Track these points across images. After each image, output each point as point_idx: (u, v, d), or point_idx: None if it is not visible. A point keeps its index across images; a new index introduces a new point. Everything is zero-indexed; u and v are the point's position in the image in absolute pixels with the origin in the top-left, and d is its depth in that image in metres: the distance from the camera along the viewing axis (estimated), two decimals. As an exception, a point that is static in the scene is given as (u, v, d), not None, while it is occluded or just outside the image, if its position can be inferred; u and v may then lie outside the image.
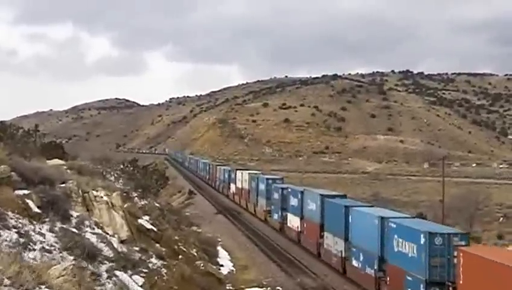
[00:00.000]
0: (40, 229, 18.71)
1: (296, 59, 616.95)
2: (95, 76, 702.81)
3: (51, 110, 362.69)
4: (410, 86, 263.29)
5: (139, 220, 27.64)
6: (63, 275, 13.53)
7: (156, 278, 21.60)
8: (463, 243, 23.15)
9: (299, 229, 42.81)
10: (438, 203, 70.20)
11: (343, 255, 32.89)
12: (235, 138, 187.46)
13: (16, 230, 17.54)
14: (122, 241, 22.92)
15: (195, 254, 32.63)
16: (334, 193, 43.18)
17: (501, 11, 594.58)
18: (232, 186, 73.14)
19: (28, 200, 19.94)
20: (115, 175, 47.32)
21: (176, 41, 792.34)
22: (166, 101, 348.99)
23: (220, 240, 43.97)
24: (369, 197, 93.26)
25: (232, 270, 35.39)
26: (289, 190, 47.23)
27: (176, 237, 31.88)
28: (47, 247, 17.60)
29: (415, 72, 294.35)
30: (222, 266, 35.63)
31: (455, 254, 22.15)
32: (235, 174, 71.50)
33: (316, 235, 38.27)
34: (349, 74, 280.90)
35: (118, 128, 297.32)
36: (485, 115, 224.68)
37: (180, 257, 27.99)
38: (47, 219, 19.65)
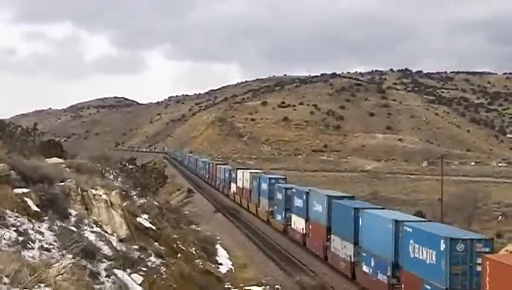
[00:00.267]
0: (39, 227, 18.71)
1: (295, 58, 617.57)
2: (94, 74, 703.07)
3: (50, 108, 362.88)
4: (409, 84, 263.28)
5: (138, 219, 27.64)
6: (61, 274, 13.53)
7: (154, 276, 21.62)
8: (487, 249, 21.89)
9: (304, 232, 41.56)
10: (437, 202, 70.33)
11: (352, 260, 31.63)
12: (234, 136, 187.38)
13: (14, 228, 17.54)
14: (121, 240, 22.93)
15: (194, 252, 32.66)
16: (341, 193, 41.91)
17: (501, 10, 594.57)
18: (233, 185, 71.98)
19: (27, 199, 19.94)
20: (114, 174, 47.23)
21: (174, 40, 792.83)
22: (165, 99, 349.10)
23: (218, 238, 43.97)
24: (368, 195, 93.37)
25: (231, 269, 35.40)
26: (293, 190, 45.79)
27: (175, 236, 31.88)
28: (46, 245, 17.61)
29: (414, 70, 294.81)
30: (221, 264, 35.64)
31: (478, 261, 21.01)
32: (236, 173, 70.34)
33: (322, 238, 36.99)
34: (348, 73, 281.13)
35: (116, 126, 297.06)
36: (484, 114, 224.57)
37: (179, 255, 28.02)
38: (46, 218, 19.66)
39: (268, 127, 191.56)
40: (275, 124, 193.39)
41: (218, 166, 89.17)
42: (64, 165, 31.62)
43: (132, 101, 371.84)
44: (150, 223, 28.82)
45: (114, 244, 21.42)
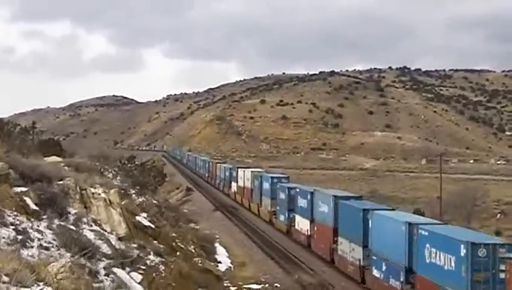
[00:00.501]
0: (37, 226, 18.69)
1: (293, 56, 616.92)
2: (92, 73, 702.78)
3: (49, 107, 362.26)
4: (408, 82, 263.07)
5: (137, 217, 27.64)
6: (61, 272, 13.52)
7: (154, 275, 21.61)
8: (511, 255, 20.62)
9: (308, 233, 40.51)
10: (436, 200, 70.42)
11: (361, 264, 30.55)
12: (233, 134, 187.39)
13: (13, 227, 17.53)
14: (120, 239, 22.90)
15: (193, 250, 32.66)
16: (347, 193, 41.02)
17: (500, 8, 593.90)
18: (234, 185, 71.08)
19: (25, 198, 19.92)
20: (113, 172, 47.25)
21: (173, 38, 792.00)
22: (163, 98, 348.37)
23: (217, 237, 43.97)
24: (367, 193, 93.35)
25: (230, 267, 35.40)
26: (297, 190, 44.56)
27: (174, 234, 31.87)
28: (45, 244, 17.60)
29: (413, 68, 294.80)
30: (220, 262, 35.63)
31: (501, 267, 20.09)
32: (237, 172, 69.29)
33: (328, 240, 36.01)
34: (347, 71, 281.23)
35: (115, 125, 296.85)
36: (483, 112, 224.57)
37: (178, 253, 28.02)
38: (45, 216, 19.64)
39: (267, 125, 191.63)
40: (273, 123, 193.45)
41: (218, 164, 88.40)
42: (63, 164, 31.62)
43: (131, 99, 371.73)
44: (149, 221, 28.81)
45: (113, 242, 21.40)
